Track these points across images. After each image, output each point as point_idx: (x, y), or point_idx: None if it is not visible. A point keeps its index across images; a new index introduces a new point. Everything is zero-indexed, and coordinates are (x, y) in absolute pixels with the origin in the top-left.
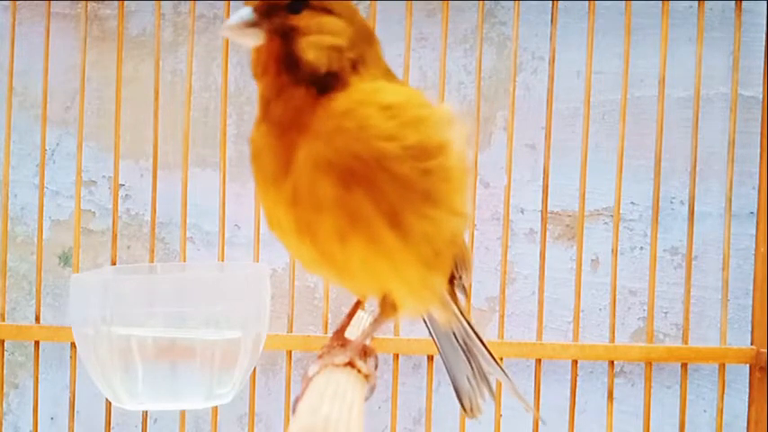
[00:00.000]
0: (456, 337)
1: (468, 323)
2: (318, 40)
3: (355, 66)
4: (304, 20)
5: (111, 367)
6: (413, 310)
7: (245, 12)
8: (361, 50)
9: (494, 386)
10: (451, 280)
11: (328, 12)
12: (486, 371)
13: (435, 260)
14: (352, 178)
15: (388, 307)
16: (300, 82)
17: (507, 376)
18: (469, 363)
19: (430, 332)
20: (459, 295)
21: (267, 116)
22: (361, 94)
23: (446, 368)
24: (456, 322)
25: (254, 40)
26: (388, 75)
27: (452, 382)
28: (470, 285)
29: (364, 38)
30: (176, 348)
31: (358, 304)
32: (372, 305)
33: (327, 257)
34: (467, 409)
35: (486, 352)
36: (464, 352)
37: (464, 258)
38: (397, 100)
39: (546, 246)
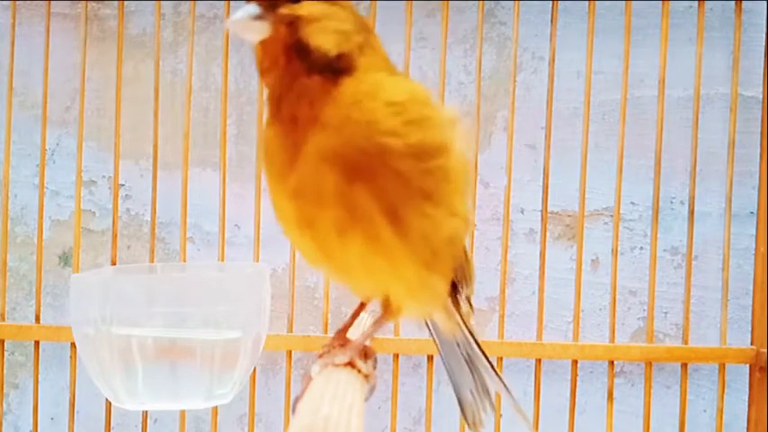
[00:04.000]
0: (459, 348)
1: (471, 334)
2: (325, 25)
3: (362, 49)
4: (306, 8)
5: (111, 367)
6: (413, 311)
7: (250, 7)
8: (365, 36)
9: (494, 399)
10: (455, 290)
11: (326, 0)
12: (487, 384)
13: (433, 260)
14: (354, 172)
15: (389, 308)
16: (312, 70)
17: (508, 390)
18: (472, 375)
19: (435, 342)
20: (463, 305)
21: (278, 114)
22: (367, 85)
23: (450, 380)
24: (459, 333)
25: (261, 33)
26: (389, 64)
27: (456, 395)
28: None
29: (365, 26)
30: (176, 348)
31: (362, 305)
32: (374, 306)
33: (327, 252)
34: (469, 422)
35: (487, 364)
36: (467, 363)
37: (465, 268)
38: (402, 98)
39: (546, 246)
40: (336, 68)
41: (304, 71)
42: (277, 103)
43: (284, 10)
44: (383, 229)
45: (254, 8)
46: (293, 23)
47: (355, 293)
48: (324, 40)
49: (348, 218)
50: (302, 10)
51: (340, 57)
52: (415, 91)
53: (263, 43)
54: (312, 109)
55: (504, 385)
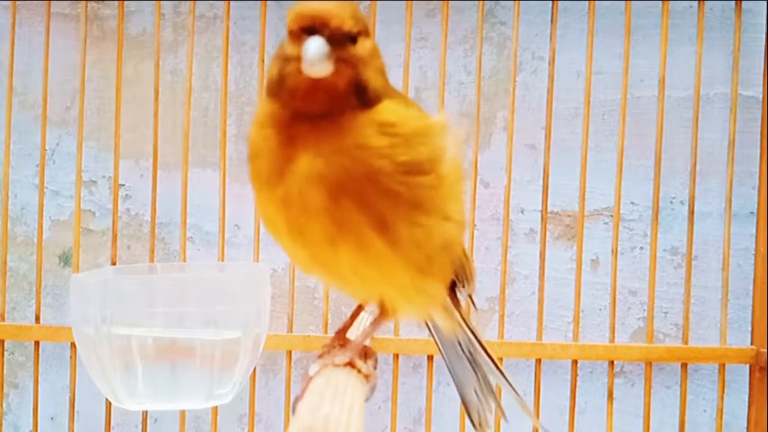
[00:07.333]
0: (461, 347)
1: (473, 332)
2: (376, 65)
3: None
4: (360, 48)
5: (111, 367)
6: (410, 313)
7: (320, 43)
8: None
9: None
10: (454, 288)
11: (367, 34)
12: (491, 382)
13: (429, 265)
14: (340, 191)
15: (386, 310)
16: (359, 107)
17: (513, 387)
18: (475, 373)
19: (436, 342)
20: (464, 304)
21: (280, 127)
22: (372, 111)
23: (454, 381)
24: (460, 331)
25: (325, 71)
26: (388, 84)
27: (460, 396)
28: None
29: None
30: (176, 348)
31: (361, 306)
32: (373, 306)
33: (319, 260)
34: (475, 423)
35: (490, 362)
36: (469, 362)
37: (464, 268)
38: (394, 118)
39: (546, 246)
40: (368, 103)
41: (352, 108)
42: (289, 120)
43: (347, 51)
44: (372, 240)
45: (323, 46)
46: (356, 65)
47: (352, 298)
48: (376, 80)
49: (336, 229)
50: (362, 51)
51: (379, 92)
52: (409, 111)
53: (321, 79)
54: (318, 135)
55: (508, 381)
